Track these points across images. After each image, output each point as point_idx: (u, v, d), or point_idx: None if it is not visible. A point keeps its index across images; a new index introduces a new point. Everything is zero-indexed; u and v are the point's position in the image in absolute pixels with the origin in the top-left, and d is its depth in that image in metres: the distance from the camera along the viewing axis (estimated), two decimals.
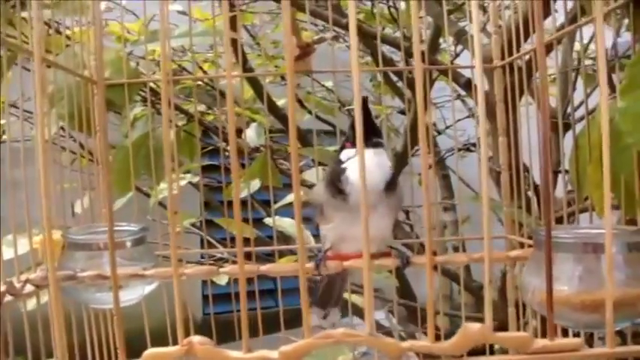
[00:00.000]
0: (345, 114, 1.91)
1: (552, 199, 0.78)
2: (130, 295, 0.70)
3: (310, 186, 1.06)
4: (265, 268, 0.66)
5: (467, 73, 1.10)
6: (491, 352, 0.59)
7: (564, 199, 1.16)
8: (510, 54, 0.85)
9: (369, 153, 0.68)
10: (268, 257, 1.09)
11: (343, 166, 0.69)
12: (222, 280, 1.23)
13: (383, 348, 0.38)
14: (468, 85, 1.11)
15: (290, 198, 1.16)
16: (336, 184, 0.68)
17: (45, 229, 0.42)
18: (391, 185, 0.69)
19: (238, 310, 0.79)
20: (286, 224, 1.06)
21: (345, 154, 0.70)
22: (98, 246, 0.67)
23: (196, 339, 0.39)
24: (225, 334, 0.79)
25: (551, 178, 0.67)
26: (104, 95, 0.83)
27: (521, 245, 0.84)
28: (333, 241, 0.71)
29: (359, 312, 1.39)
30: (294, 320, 0.95)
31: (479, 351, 0.48)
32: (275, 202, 1.20)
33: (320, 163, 0.88)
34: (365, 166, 0.65)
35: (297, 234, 0.41)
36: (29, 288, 0.66)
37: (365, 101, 0.69)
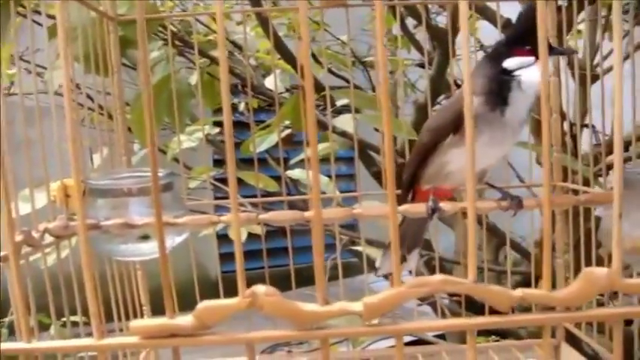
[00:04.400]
0: (359, 69, 1.83)
1: None
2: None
3: (341, 133, 1.00)
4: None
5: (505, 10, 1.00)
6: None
7: (591, 153, 1.10)
8: None
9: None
10: None
11: (516, 73, 0.60)
12: (242, 236, 1.17)
13: (491, 297, 0.31)
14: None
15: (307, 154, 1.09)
16: (500, 93, 0.60)
17: (74, 172, 0.35)
18: None
19: (253, 268, 0.73)
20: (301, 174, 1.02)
21: (512, 62, 0.61)
22: (123, 191, 0.61)
23: (261, 289, 0.32)
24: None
25: None
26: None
27: (575, 193, 0.78)
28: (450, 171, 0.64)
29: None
30: (308, 278, 0.89)
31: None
32: (290, 159, 1.14)
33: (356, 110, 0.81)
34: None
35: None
36: (48, 239, 0.60)
37: (532, 10, 0.58)
